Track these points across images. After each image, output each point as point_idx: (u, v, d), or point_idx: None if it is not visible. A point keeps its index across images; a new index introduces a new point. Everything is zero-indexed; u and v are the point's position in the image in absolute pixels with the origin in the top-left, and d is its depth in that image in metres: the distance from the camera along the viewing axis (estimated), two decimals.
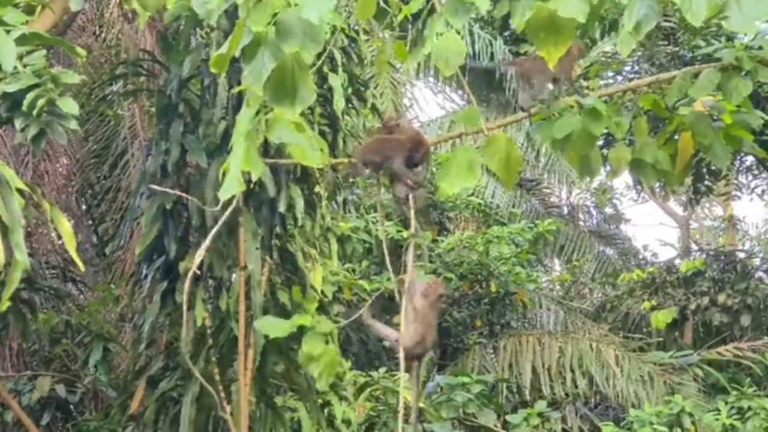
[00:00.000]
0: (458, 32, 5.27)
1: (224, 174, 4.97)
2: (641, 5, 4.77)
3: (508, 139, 6.02)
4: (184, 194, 8.89)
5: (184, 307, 6.69)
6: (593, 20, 5.12)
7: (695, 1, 4.54)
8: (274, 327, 7.82)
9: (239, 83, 6.55)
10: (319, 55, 5.10)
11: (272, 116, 4.87)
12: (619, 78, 16.91)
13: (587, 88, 15.01)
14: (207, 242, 5.71)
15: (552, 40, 5.09)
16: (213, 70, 4.94)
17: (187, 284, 6.28)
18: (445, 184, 5.89)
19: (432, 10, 5.27)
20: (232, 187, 4.91)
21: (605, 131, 6.39)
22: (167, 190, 8.75)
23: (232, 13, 7.19)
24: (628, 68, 17.11)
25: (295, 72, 4.48)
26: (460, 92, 22.79)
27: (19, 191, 5.01)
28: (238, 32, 4.47)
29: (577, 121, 5.83)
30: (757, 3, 4.61)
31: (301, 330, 8.82)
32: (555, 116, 6.00)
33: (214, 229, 5.82)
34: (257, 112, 4.93)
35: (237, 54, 4.54)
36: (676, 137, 6.21)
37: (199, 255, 5.82)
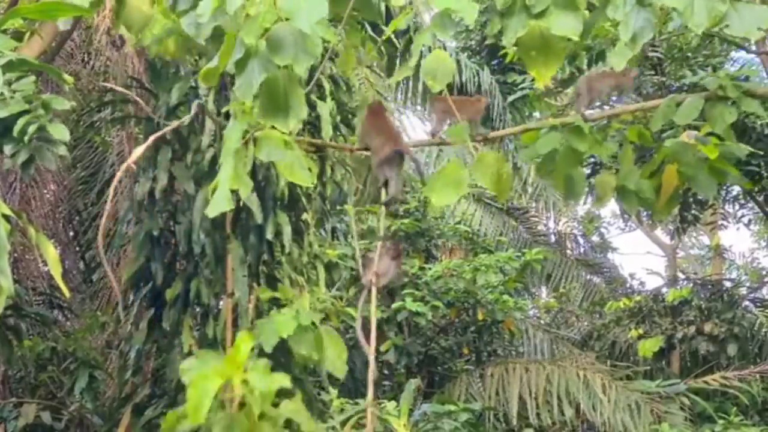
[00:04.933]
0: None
1: (213, 191, 4.94)
2: (637, 17, 4.77)
3: (496, 156, 6.03)
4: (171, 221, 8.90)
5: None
6: (583, 41, 5.12)
7: (697, 10, 4.54)
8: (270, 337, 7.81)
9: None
10: (307, 83, 5.11)
11: (261, 134, 4.84)
12: (606, 108, 16.96)
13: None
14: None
15: (543, 59, 5.11)
16: (202, 83, 4.93)
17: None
18: (434, 196, 5.86)
19: (417, 29, 5.28)
20: (220, 205, 4.88)
21: (592, 160, 6.41)
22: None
23: (220, 39, 7.23)
24: (614, 98, 17.18)
25: (286, 86, 4.45)
26: (447, 120, 22.81)
27: (6, 217, 5.00)
28: (227, 46, 4.44)
29: (560, 138, 5.85)
30: (756, 12, 4.63)
31: (288, 357, 8.82)
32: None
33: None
34: (246, 131, 4.91)
35: (229, 69, 4.50)
36: (662, 170, 6.22)
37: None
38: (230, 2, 4.24)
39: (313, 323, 7.65)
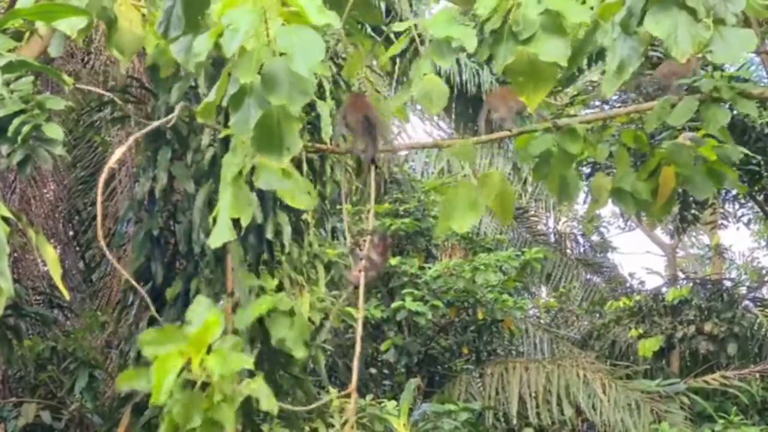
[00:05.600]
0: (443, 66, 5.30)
1: (214, 221, 4.98)
2: (623, 46, 4.75)
3: (501, 175, 6.06)
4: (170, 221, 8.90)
5: None
6: (580, 58, 5.12)
7: (680, 38, 4.53)
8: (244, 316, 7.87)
9: (227, 112, 6.49)
10: None
11: (258, 162, 4.87)
12: (606, 107, 16.97)
13: (570, 114, 15.10)
14: None
15: (532, 85, 5.11)
16: (200, 120, 4.94)
17: None
18: (456, 224, 5.92)
19: (417, 52, 5.33)
20: (222, 236, 4.93)
21: (591, 160, 6.40)
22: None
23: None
24: (615, 97, 17.19)
25: (281, 121, 4.45)
26: (447, 120, 22.86)
27: (5, 219, 5.01)
28: (223, 81, 4.45)
29: (553, 140, 5.86)
30: (740, 36, 4.61)
31: (288, 357, 8.84)
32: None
33: None
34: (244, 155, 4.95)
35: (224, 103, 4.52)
36: (659, 173, 6.22)
37: None
38: (227, 44, 4.23)
39: (292, 310, 7.72)
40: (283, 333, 8.06)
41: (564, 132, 5.84)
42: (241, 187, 4.99)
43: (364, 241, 6.25)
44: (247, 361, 4.34)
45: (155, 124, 6.42)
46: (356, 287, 6.15)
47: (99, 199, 5.17)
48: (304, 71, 4.18)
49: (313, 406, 8.34)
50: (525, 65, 4.97)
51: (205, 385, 4.25)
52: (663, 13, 4.56)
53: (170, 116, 5.63)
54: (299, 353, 8.02)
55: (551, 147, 5.86)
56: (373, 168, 6.24)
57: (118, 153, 5.13)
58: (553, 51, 4.80)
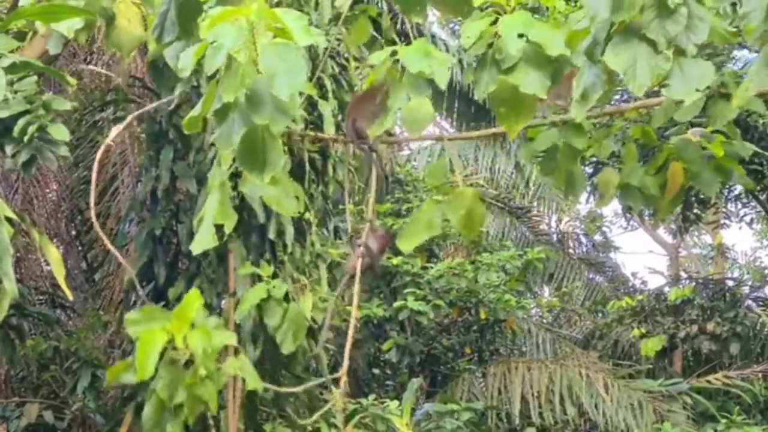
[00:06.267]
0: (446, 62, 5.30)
1: (199, 225, 5.00)
2: (588, 73, 4.74)
3: (474, 194, 6.03)
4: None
5: None
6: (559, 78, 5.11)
7: (639, 71, 4.49)
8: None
9: None
10: (309, 81, 5.13)
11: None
12: (608, 107, 16.94)
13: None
14: None
15: (514, 115, 5.11)
16: (186, 131, 4.95)
17: None
18: (403, 242, 5.97)
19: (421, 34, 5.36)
20: (204, 242, 4.96)
21: (594, 159, 6.38)
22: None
23: None
24: (617, 97, 17.18)
25: (266, 139, 4.46)
26: (449, 119, 22.85)
27: (8, 219, 5.01)
28: (210, 95, 4.46)
29: (558, 135, 5.85)
30: (699, 70, 4.58)
31: (290, 356, 8.81)
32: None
33: None
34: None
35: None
36: (667, 168, 6.21)
37: None
38: (210, 61, 4.24)
39: (285, 299, 7.68)
40: (276, 321, 7.99)
41: (569, 127, 5.84)
42: (228, 193, 5.02)
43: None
44: (230, 337, 4.38)
45: (153, 104, 6.41)
46: (352, 276, 6.17)
47: (93, 177, 5.18)
48: (285, 96, 4.20)
49: (318, 414, 8.27)
50: (507, 93, 4.96)
51: (189, 363, 4.31)
52: (623, 45, 4.54)
53: (170, 97, 5.62)
54: (287, 347, 7.97)
55: (557, 142, 5.86)
56: (374, 156, 6.26)
57: (116, 131, 5.14)
58: (532, 83, 4.80)
